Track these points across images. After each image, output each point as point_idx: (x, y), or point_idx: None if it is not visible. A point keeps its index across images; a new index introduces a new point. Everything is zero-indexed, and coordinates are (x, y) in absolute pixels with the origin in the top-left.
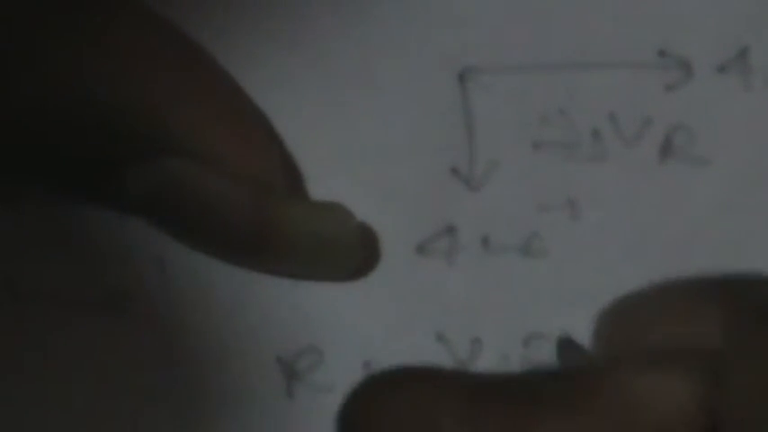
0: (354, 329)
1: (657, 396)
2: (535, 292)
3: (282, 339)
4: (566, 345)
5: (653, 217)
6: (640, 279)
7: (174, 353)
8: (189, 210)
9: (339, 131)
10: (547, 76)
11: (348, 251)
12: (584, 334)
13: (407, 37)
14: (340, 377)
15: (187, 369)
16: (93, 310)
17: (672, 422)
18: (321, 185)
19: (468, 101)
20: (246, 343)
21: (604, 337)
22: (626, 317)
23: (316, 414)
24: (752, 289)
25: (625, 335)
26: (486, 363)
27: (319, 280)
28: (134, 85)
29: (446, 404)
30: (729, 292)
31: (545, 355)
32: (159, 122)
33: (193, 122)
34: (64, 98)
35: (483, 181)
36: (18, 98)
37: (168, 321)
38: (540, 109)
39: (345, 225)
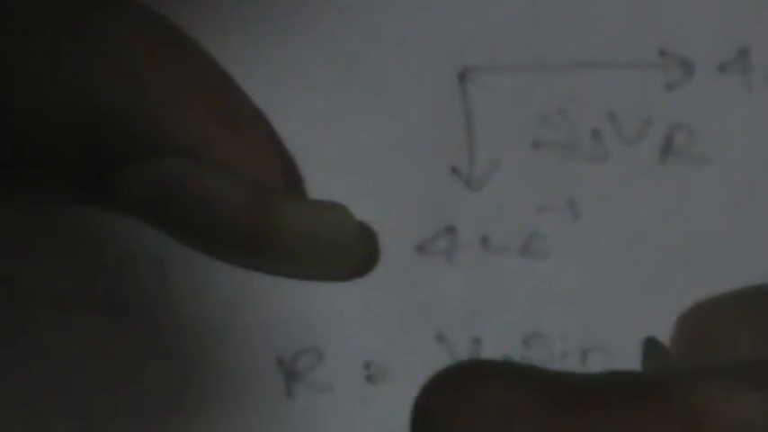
0: (354, 330)
1: (725, 408)
2: (535, 292)
3: (282, 340)
4: (651, 346)
5: (653, 217)
6: (640, 279)
7: (173, 353)
8: (188, 210)
9: (339, 131)
10: (547, 76)
11: (348, 251)
12: (583, 334)
13: (407, 37)
14: (340, 377)
15: (187, 369)
16: (93, 311)
17: None
18: (321, 185)
19: (469, 101)
20: (246, 343)
21: (684, 341)
22: (706, 322)
23: (315, 414)
24: None
25: (704, 341)
26: None
27: (319, 280)
28: (133, 85)
29: (527, 407)
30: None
31: (545, 354)
32: (158, 122)
33: (193, 122)
34: (63, 99)
35: (483, 181)
36: (16, 99)
37: (167, 322)
38: (540, 109)
39: (345, 225)
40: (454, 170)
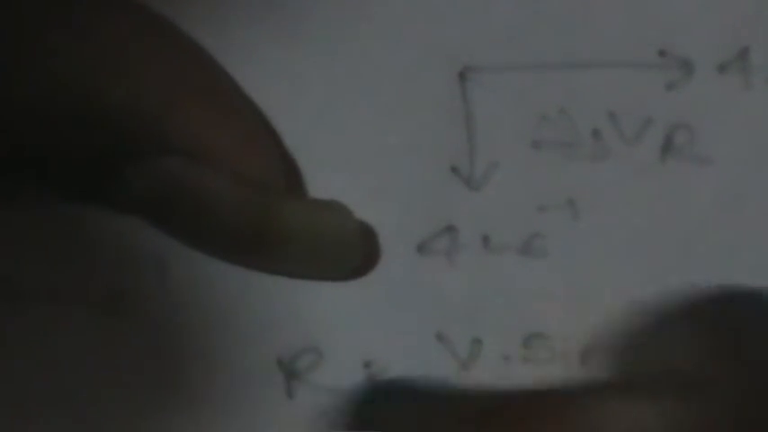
0: (354, 329)
1: (620, 418)
2: (535, 292)
3: (282, 339)
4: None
5: (653, 217)
6: (640, 279)
7: (173, 353)
8: (188, 209)
9: (339, 131)
10: (547, 75)
11: (348, 250)
12: (583, 334)
13: (407, 36)
14: (340, 377)
15: (186, 369)
16: (93, 310)
17: None
18: (321, 185)
19: (469, 100)
20: (246, 343)
21: (615, 358)
22: (629, 336)
23: (316, 414)
24: (728, 312)
25: (622, 355)
26: (487, 363)
27: (319, 279)
28: (133, 84)
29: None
30: (704, 315)
31: (546, 355)
32: (158, 122)
33: (193, 122)
34: (63, 98)
35: (483, 180)
36: (17, 98)
37: (167, 322)
38: (540, 108)
39: (345, 223)
40: (454, 170)
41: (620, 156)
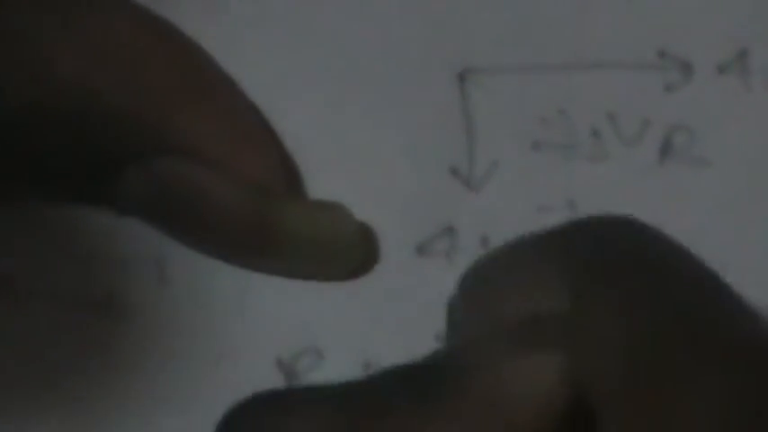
0: (354, 330)
1: (526, 383)
2: None
3: (282, 340)
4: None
5: (652, 217)
6: None
7: (172, 354)
8: (187, 210)
9: (339, 131)
10: (546, 76)
11: (348, 250)
12: None
13: (407, 37)
14: (339, 378)
15: (186, 370)
16: (92, 311)
17: (545, 402)
18: (321, 185)
19: (468, 101)
20: (246, 344)
21: (463, 308)
22: (482, 284)
23: None
24: (594, 241)
25: (482, 305)
26: None
27: (319, 280)
28: (133, 85)
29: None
30: (571, 247)
31: None
32: (158, 123)
33: (192, 122)
34: (62, 99)
35: (482, 181)
36: (14, 99)
37: (167, 322)
38: (539, 109)
39: (345, 224)
40: (454, 171)
41: (620, 157)
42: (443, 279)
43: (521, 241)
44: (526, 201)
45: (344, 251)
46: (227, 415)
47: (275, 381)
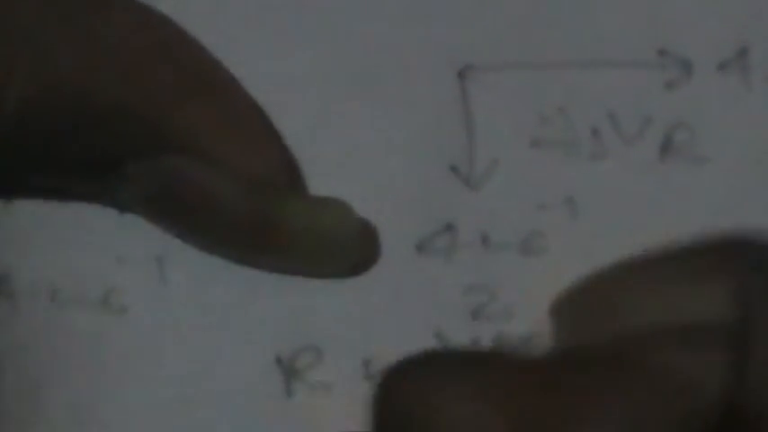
0: (353, 328)
1: (700, 371)
2: (535, 291)
3: (281, 338)
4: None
5: (652, 216)
6: None
7: (171, 352)
8: (190, 207)
9: (338, 129)
10: (546, 74)
11: (348, 246)
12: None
13: (407, 35)
14: (339, 376)
15: (185, 368)
16: (91, 309)
17: (714, 397)
18: (321, 183)
19: (468, 99)
20: (245, 342)
21: (570, 321)
22: (609, 291)
23: (315, 413)
24: (756, 254)
25: (608, 309)
26: None
27: (319, 276)
28: (135, 83)
29: (497, 393)
30: (734, 260)
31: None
32: (159, 120)
33: (194, 120)
34: (65, 96)
35: (482, 179)
36: (16, 96)
37: (166, 320)
38: (539, 107)
39: (346, 220)
40: (453, 168)
41: (620, 155)
42: (443, 277)
43: (652, 258)
44: (526, 198)
45: (345, 248)
46: (384, 379)
47: (274, 379)
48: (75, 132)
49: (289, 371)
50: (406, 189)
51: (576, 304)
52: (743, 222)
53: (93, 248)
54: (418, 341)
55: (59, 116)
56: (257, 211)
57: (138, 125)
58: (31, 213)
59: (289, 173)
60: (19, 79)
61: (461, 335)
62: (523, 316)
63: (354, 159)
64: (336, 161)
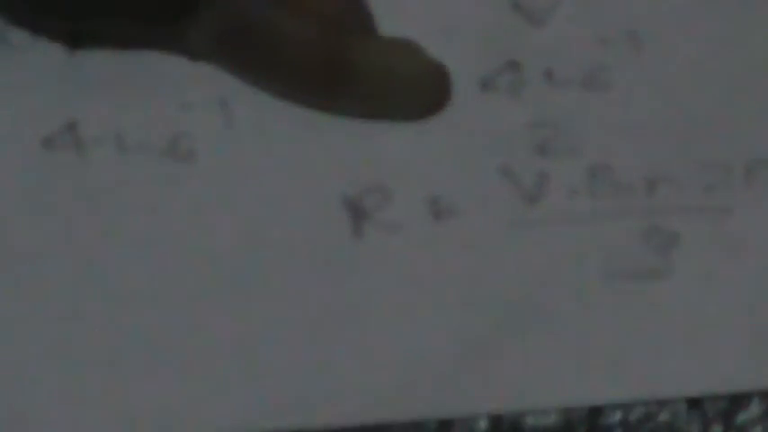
0: (420, 166)
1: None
2: (599, 124)
3: (349, 178)
4: None
5: (714, 46)
6: (704, 108)
7: (239, 195)
8: (262, 49)
9: None
10: None
11: (419, 87)
12: (649, 165)
13: None
14: (407, 215)
15: (253, 211)
16: (159, 155)
17: None
18: (388, 22)
19: None
20: (313, 182)
21: None
22: None
23: (384, 253)
24: None
25: None
26: (553, 196)
27: (391, 119)
28: None
29: None
30: None
31: (610, 186)
32: None
33: None
34: None
35: (545, 15)
36: None
37: (233, 164)
38: None
39: (417, 61)
40: (516, 5)
41: None
42: (508, 114)
43: None
44: (589, 33)
45: (415, 88)
46: None
47: (342, 220)
48: None
49: (357, 211)
50: (471, 27)
51: None
52: None
53: (159, 93)
54: (484, 178)
55: None
56: (329, 50)
57: None
58: (95, 61)
59: (360, 13)
60: None
61: (527, 171)
62: (590, 150)
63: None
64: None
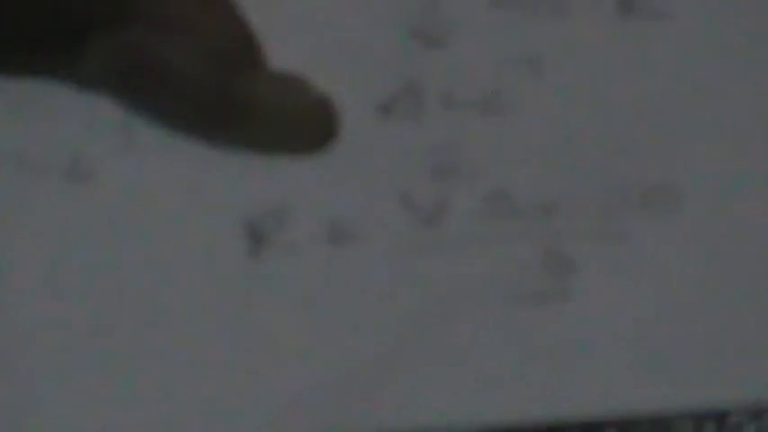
0: (319, 191)
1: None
2: (498, 149)
3: (248, 201)
4: None
5: (614, 73)
6: (601, 134)
7: (138, 217)
8: (151, 80)
9: None
10: None
11: (308, 121)
12: (546, 189)
13: None
14: (304, 239)
15: (152, 233)
16: (59, 176)
17: None
18: (280, 47)
19: None
20: (213, 206)
21: None
22: None
23: (280, 275)
24: None
25: None
26: (451, 221)
27: (282, 154)
28: None
29: None
30: None
31: (509, 213)
32: None
33: None
34: None
35: (445, 39)
36: None
37: (132, 186)
38: None
39: (305, 96)
40: (416, 29)
41: (581, 12)
42: (407, 137)
43: None
44: (489, 57)
45: (304, 123)
46: None
47: (241, 242)
48: (38, 3)
49: (255, 234)
50: (368, 51)
51: None
52: (703, 75)
53: (60, 115)
54: (384, 202)
55: None
56: (217, 84)
57: None
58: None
59: (248, 46)
60: None
61: (425, 195)
62: (488, 175)
63: (314, 21)
64: (296, 24)
